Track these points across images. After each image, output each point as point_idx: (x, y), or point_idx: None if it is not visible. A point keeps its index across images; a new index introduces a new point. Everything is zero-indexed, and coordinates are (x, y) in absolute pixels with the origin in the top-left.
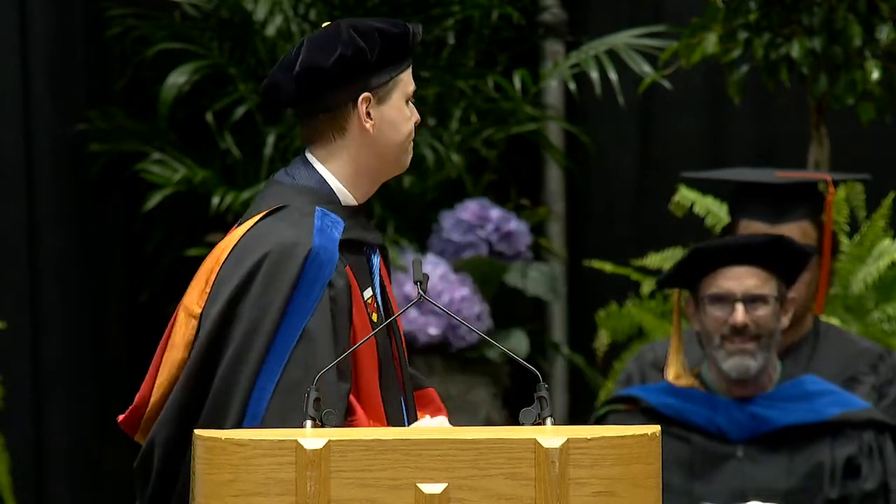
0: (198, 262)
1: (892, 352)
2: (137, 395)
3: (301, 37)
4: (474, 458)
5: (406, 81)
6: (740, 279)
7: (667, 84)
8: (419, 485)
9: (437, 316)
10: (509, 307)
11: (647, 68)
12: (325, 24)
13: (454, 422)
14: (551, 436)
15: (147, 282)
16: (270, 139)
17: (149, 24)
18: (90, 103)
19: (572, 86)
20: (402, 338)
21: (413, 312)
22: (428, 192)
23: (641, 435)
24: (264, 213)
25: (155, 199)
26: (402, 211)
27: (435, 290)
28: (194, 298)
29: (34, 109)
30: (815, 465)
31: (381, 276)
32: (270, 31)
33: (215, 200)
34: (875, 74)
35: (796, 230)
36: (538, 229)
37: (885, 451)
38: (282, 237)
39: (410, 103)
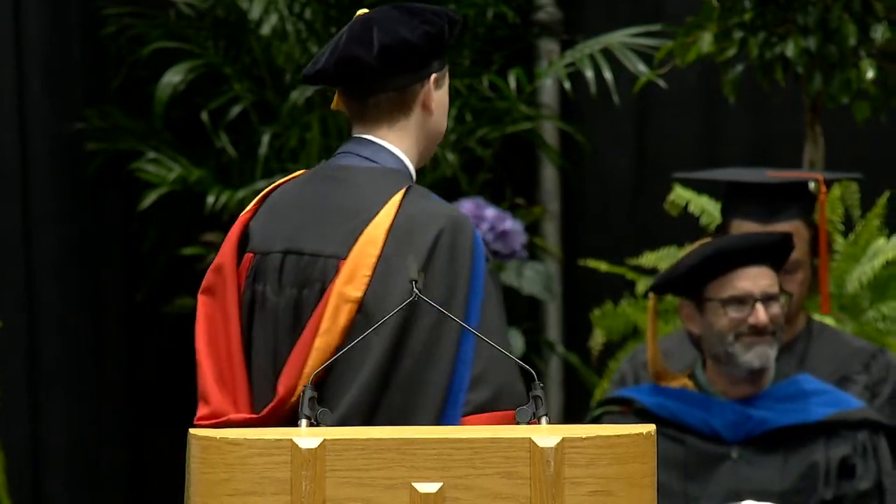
0: (193, 260)
1: (885, 350)
2: (281, 387)
3: (296, 36)
4: (469, 457)
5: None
6: (755, 279)
7: (662, 83)
8: (414, 484)
9: None
10: (505, 306)
11: (642, 67)
12: (362, 12)
13: None
14: (546, 435)
15: (143, 280)
16: (265, 138)
17: (144, 23)
18: (86, 102)
19: (567, 85)
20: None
21: None
22: None
23: (637, 434)
24: (401, 193)
25: (150, 198)
26: None
27: None
28: (348, 285)
29: (30, 108)
30: (810, 465)
31: None
32: (265, 30)
33: (210, 199)
34: (870, 73)
35: (788, 230)
36: (533, 228)
37: (879, 451)
38: (445, 210)
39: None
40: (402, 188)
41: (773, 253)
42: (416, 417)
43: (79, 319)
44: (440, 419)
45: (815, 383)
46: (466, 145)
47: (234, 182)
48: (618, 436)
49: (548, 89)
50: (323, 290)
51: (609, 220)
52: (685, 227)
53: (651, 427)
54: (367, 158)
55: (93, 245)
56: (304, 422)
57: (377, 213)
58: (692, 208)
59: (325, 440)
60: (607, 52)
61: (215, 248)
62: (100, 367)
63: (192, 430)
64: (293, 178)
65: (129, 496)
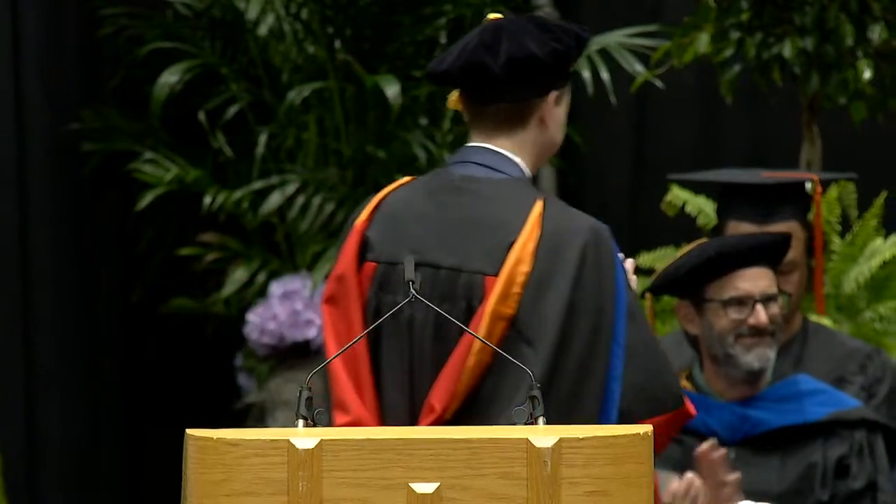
0: (190, 260)
1: (881, 351)
2: (437, 404)
3: (293, 36)
4: (466, 457)
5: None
6: (755, 280)
7: (659, 84)
8: (411, 484)
9: None
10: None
11: (639, 68)
12: (494, 16)
13: None
14: (543, 435)
15: (139, 280)
16: (262, 138)
17: (141, 24)
18: (83, 102)
19: None
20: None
21: None
22: None
23: (634, 434)
24: (540, 206)
25: (147, 199)
26: None
27: None
28: (502, 303)
29: (27, 108)
30: (808, 466)
31: None
32: (262, 30)
33: (207, 199)
34: (867, 74)
35: (784, 231)
36: None
37: (876, 450)
38: (585, 222)
39: None
40: (534, 199)
41: (771, 253)
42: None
43: (75, 319)
44: None
45: (812, 383)
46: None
47: (231, 182)
48: (614, 436)
49: None
50: (469, 307)
51: (606, 220)
52: (682, 227)
53: (648, 427)
54: (490, 168)
55: (89, 245)
56: (300, 422)
57: (519, 227)
58: (689, 208)
59: (321, 440)
60: (604, 53)
61: (212, 247)
62: (95, 367)
63: (188, 431)
64: (404, 184)
65: (125, 497)
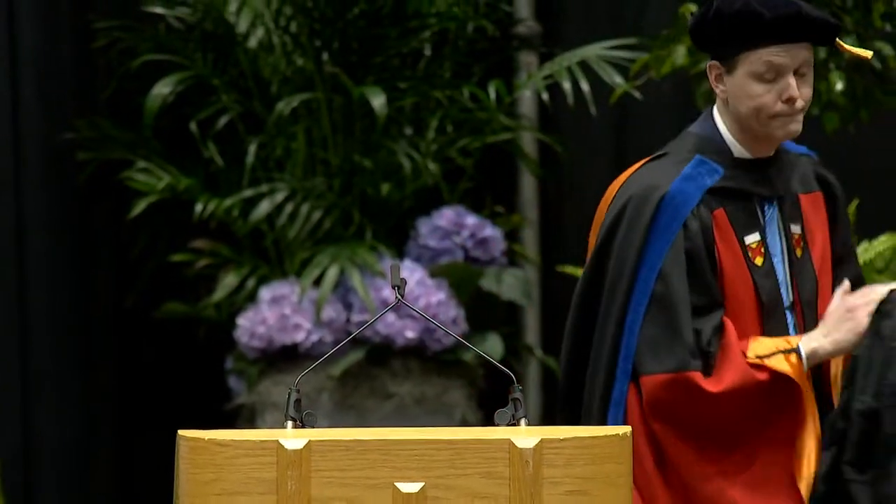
0: (182, 266)
1: None
2: None
3: (282, 48)
4: (450, 457)
5: (752, 61)
6: None
7: (637, 95)
8: (397, 484)
9: (415, 320)
10: (484, 311)
11: (618, 79)
12: None
13: (430, 422)
14: (525, 436)
15: (133, 286)
16: (252, 148)
17: (134, 36)
18: (77, 113)
19: (546, 96)
20: (816, 285)
21: (391, 316)
22: (405, 199)
23: (613, 435)
24: (646, 159)
25: (140, 206)
26: (380, 218)
27: (412, 295)
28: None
29: (23, 118)
30: None
31: (783, 225)
32: (252, 43)
33: (199, 207)
34: (839, 85)
35: None
36: (512, 236)
37: None
38: (645, 182)
39: (777, 80)
40: (657, 154)
41: None
42: (593, 390)
43: (70, 324)
44: (610, 386)
45: None
46: (448, 155)
47: (222, 190)
48: (594, 437)
49: (527, 100)
50: None
51: (586, 227)
52: None
53: (627, 429)
54: (695, 122)
55: (83, 252)
56: (289, 423)
57: (626, 175)
58: None
59: (310, 441)
60: (584, 65)
61: (203, 254)
62: (90, 369)
63: (180, 431)
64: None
65: (119, 497)
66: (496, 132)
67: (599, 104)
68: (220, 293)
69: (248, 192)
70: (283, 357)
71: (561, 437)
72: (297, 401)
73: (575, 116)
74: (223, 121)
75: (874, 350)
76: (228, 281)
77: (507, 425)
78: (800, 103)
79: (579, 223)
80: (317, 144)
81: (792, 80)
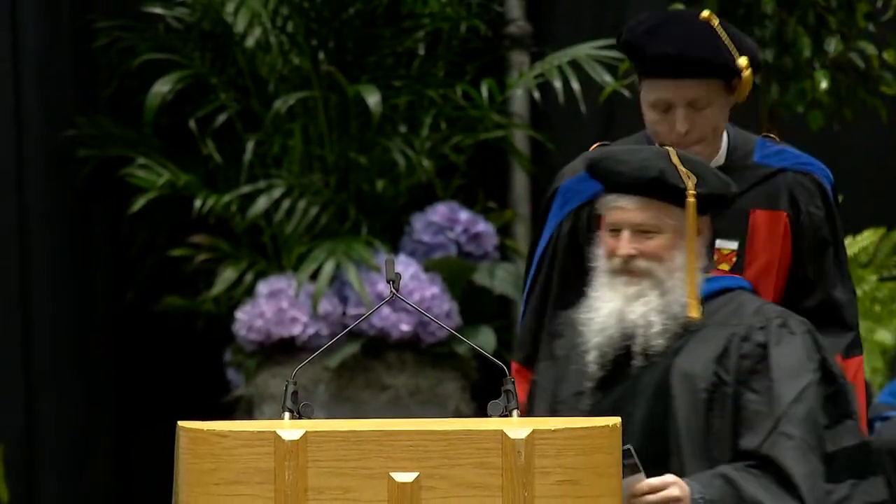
0: (181, 261)
1: None
2: None
3: (279, 48)
4: (444, 448)
5: (646, 89)
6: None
7: (626, 93)
8: (392, 474)
9: (409, 313)
10: (477, 305)
11: (607, 78)
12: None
13: (424, 414)
14: (517, 427)
15: (133, 281)
16: (250, 145)
17: (134, 36)
18: (78, 111)
19: (537, 94)
20: None
21: (386, 310)
22: (400, 196)
23: (603, 426)
24: (598, 143)
25: (140, 202)
26: (375, 214)
27: (406, 289)
28: None
29: (24, 116)
30: None
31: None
32: (250, 42)
33: (197, 203)
34: (823, 84)
35: None
36: (505, 231)
37: None
38: (564, 170)
39: (670, 112)
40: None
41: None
42: None
43: (71, 317)
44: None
45: None
46: (441, 152)
47: (221, 187)
48: (584, 428)
49: (518, 99)
50: None
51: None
52: None
53: (616, 420)
54: None
55: (84, 247)
56: (286, 415)
57: None
58: None
59: (306, 432)
60: (575, 64)
61: (202, 249)
62: (91, 362)
63: (180, 423)
64: None
65: (119, 486)
66: (489, 130)
67: (589, 102)
68: (218, 287)
69: (246, 189)
70: (280, 350)
71: (552, 428)
72: (294, 392)
73: (565, 114)
74: (221, 118)
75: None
76: (227, 275)
77: (500, 416)
78: (692, 136)
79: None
80: (313, 142)
81: (680, 114)
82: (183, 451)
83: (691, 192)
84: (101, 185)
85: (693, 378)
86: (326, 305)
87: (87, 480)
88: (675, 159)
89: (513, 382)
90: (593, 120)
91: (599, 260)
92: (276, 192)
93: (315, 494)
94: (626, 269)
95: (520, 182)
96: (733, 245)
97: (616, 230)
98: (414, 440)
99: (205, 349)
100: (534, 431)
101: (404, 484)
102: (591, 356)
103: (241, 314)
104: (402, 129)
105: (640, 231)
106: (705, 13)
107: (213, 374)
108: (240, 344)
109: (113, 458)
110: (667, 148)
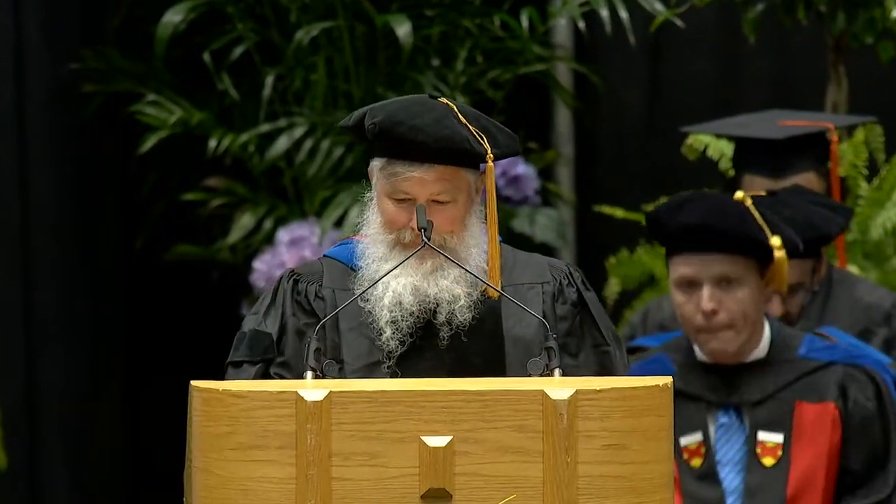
0: (194, 206)
1: None
2: None
3: None
4: (480, 410)
5: (672, 267)
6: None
7: (679, 22)
8: (423, 438)
9: None
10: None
11: (658, 6)
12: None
13: None
14: (559, 387)
15: (142, 227)
16: (269, 80)
17: None
18: (83, 42)
19: (581, 24)
20: None
21: None
22: None
23: (653, 386)
24: None
25: (150, 142)
26: None
27: None
28: None
29: (26, 48)
30: None
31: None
32: None
33: (212, 143)
34: (895, 12)
35: (800, 182)
36: (546, 173)
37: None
38: None
39: (695, 290)
40: None
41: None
42: None
43: (75, 267)
44: None
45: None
46: (477, 87)
47: (237, 125)
48: (633, 388)
49: (561, 29)
50: None
51: (625, 164)
52: (703, 171)
53: (667, 379)
54: None
55: (90, 190)
56: (308, 374)
57: None
58: (710, 152)
59: (330, 392)
60: None
61: (217, 193)
62: (97, 316)
63: (193, 382)
64: None
65: (126, 450)
66: (529, 63)
67: (638, 32)
68: (234, 235)
69: (265, 127)
70: None
71: (597, 388)
72: (317, 350)
73: (612, 45)
74: (238, 51)
75: None
76: (244, 221)
77: (541, 375)
78: (721, 318)
79: (617, 159)
80: (338, 76)
81: (706, 291)
82: (196, 412)
83: (490, 154)
84: (108, 123)
85: (527, 343)
86: None
87: (93, 443)
88: (461, 116)
89: (555, 338)
90: (642, 52)
91: (372, 227)
92: (298, 132)
93: (340, 460)
94: (419, 242)
95: (563, 120)
96: (778, 438)
97: (405, 200)
98: (447, 401)
99: (219, 302)
100: (577, 392)
101: (437, 448)
102: (387, 332)
103: (260, 264)
104: (435, 62)
105: (435, 201)
106: (739, 194)
107: (228, 330)
108: (258, 296)
109: (121, 421)
110: (446, 101)
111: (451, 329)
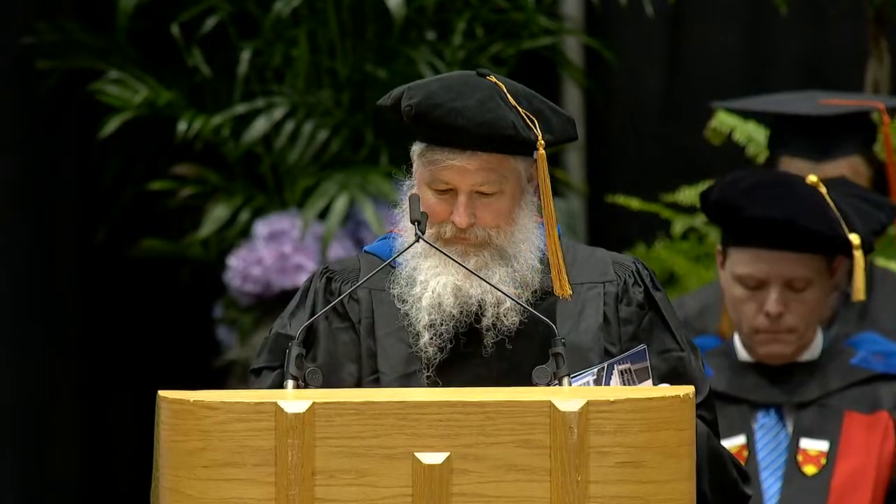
0: (162, 196)
1: None
2: None
3: None
4: (480, 423)
5: (735, 261)
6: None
7: None
8: (417, 454)
9: None
10: None
11: None
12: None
13: None
14: (569, 398)
15: (104, 219)
16: (245, 55)
17: None
18: (38, 14)
19: None
20: None
21: None
22: None
23: (673, 397)
24: None
25: (112, 125)
26: (396, 139)
27: None
28: None
29: None
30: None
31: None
32: None
33: (182, 126)
34: None
35: (845, 167)
36: (554, 159)
37: None
38: None
39: (761, 289)
40: None
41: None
42: None
43: (30, 264)
44: None
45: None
46: (477, 63)
47: (210, 106)
48: (650, 399)
49: None
50: None
51: (641, 150)
52: (729, 157)
53: (689, 389)
54: None
55: (45, 178)
56: (289, 383)
57: None
58: (737, 136)
59: (314, 403)
60: None
61: (187, 181)
62: (54, 318)
63: (161, 392)
64: None
65: (86, 466)
66: (535, 36)
67: (656, 2)
68: (207, 228)
69: (240, 108)
70: (281, 304)
71: (611, 399)
72: (299, 356)
73: (627, 17)
74: (211, 23)
75: None
76: (217, 214)
77: (548, 385)
78: (785, 322)
79: (632, 144)
80: (322, 51)
81: (774, 293)
82: (165, 426)
83: (541, 141)
84: (66, 103)
85: (584, 351)
86: (338, 249)
87: (49, 462)
88: (510, 97)
89: (563, 343)
90: (659, 25)
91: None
92: (278, 113)
93: (324, 479)
94: (462, 238)
95: (572, 99)
96: (822, 446)
97: (446, 191)
98: (444, 413)
99: (190, 303)
100: (588, 403)
101: (432, 466)
102: (425, 336)
103: (235, 261)
104: (430, 35)
105: (479, 192)
106: (812, 178)
107: (200, 334)
108: (233, 297)
109: (80, 435)
110: (494, 80)
111: (497, 334)
